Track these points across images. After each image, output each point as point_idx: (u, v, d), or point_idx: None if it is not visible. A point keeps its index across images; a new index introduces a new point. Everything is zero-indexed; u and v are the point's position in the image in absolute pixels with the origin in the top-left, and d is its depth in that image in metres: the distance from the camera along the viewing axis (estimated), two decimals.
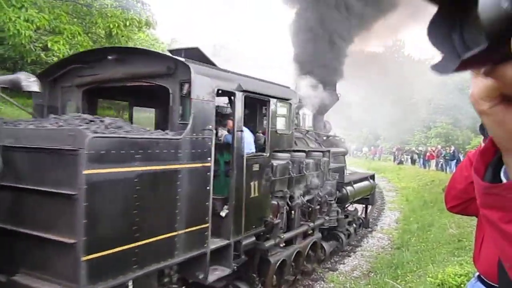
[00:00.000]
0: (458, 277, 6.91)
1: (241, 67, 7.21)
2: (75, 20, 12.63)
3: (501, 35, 0.53)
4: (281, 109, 7.03)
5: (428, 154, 32.52)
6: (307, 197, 8.05)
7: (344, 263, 9.91)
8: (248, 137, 6.24)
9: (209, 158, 5.11)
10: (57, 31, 10.80)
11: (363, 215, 12.69)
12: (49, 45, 10.34)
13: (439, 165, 29.58)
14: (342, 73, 12.70)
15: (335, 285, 8.33)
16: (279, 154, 6.99)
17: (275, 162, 6.80)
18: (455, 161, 26.59)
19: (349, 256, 10.48)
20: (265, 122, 6.98)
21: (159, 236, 4.46)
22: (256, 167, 6.24)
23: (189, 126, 4.81)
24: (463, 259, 8.23)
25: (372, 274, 9.01)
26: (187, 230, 4.85)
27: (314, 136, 10.48)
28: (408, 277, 8.24)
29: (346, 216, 10.79)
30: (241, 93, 5.86)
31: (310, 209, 8.21)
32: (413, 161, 36.53)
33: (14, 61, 15.78)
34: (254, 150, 6.45)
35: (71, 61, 6.03)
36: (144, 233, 4.24)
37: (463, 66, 0.57)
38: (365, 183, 11.83)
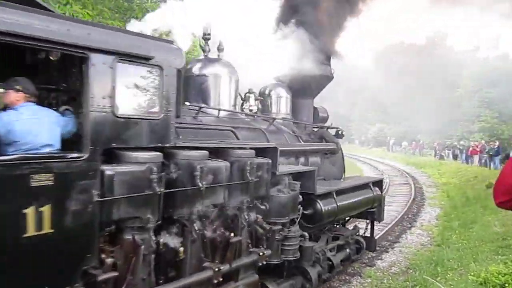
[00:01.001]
0: (502, 276, 6.71)
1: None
2: (117, 15, 13.00)
3: None
4: (133, 76, 3.98)
5: (471, 149, 31.48)
6: (215, 224, 4.93)
7: (381, 259, 9.76)
8: (29, 124, 3.44)
9: None
10: None
11: (367, 234, 9.16)
12: None
13: (482, 161, 28.58)
14: (342, 29, 8.71)
15: (372, 281, 8.24)
16: (128, 154, 3.87)
17: (109, 170, 3.69)
18: (499, 156, 25.69)
19: (387, 252, 10.32)
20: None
21: None
22: (44, 180, 3.22)
23: None
24: (508, 258, 7.97)
25: (411, 270, 8.84)
26: None
27: (291, 127, 8.06)
28: (448, 275, 8.04)
29: (336, 239, 7.99)
30: None
31: (225, 241, 4.95)
32: (455, 156, 35.43)
33: None
34: (48, 147, 3.53)
35: None
36: None
37: None
38: (363, 192, 8.17)
